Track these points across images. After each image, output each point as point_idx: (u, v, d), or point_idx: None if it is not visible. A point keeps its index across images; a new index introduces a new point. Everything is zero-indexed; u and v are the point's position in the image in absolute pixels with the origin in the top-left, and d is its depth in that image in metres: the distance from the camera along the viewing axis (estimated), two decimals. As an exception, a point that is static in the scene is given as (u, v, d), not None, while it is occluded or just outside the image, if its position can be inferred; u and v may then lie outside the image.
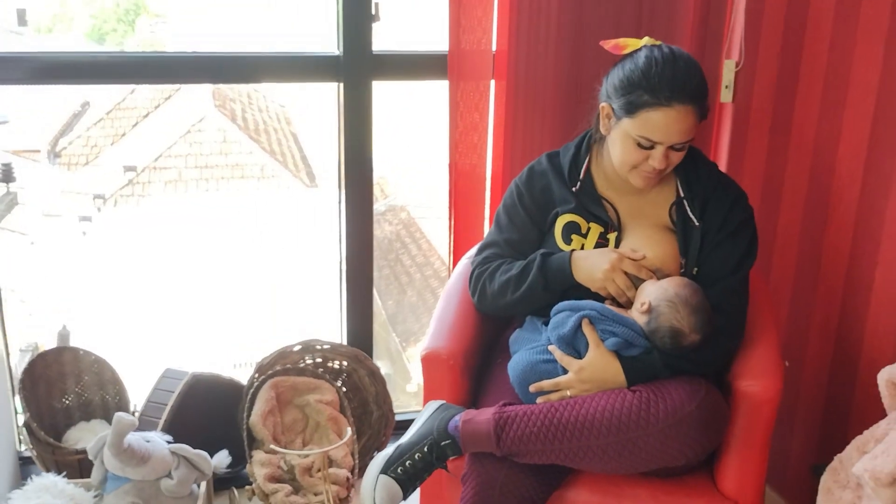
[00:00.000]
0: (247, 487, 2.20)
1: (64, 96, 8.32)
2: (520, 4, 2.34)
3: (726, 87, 2.47)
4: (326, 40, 2.50)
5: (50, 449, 2.31)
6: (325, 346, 2.53)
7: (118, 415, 2.10)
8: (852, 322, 2.07)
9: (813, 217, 2.19)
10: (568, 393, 1.78)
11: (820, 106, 2.13)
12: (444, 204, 2.54)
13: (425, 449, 1.76)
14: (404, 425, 1.95)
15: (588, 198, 1.93)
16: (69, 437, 2.44)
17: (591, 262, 1.85)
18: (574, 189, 1.94)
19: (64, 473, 2.21)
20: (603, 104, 1.88)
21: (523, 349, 1.89)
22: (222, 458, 2.29)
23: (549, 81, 2.42)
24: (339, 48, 2.42)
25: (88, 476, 2.22)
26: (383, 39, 2.45)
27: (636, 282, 1.84)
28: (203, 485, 2.24)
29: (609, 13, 2.41)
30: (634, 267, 1.83)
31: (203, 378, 2.45)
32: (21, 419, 2.41)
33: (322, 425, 2.35)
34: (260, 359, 2.45)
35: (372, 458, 1.86)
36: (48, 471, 2.25)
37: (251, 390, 2.32)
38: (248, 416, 2.27)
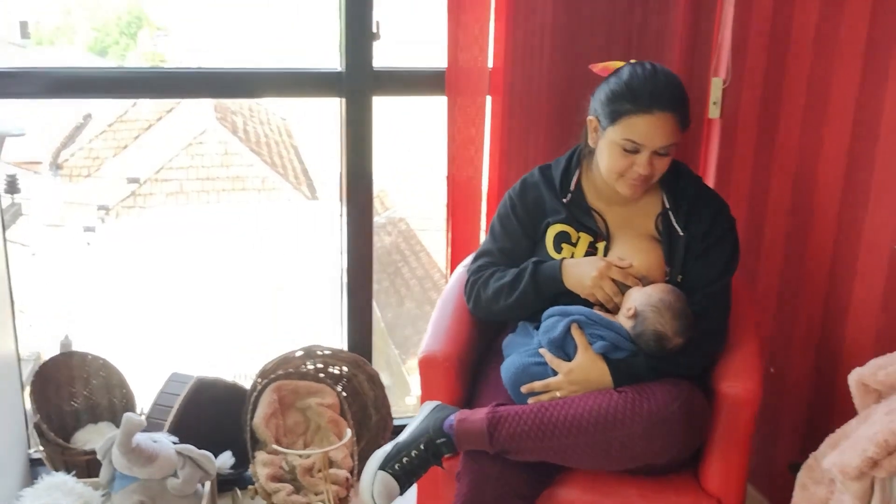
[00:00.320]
0: (249, 487, 2.25)
1: (66, 109, 8.33)
2: (515, 24, 2.41)
3: (714, 103, 2.54)
4: (326, 41, 2.53)
5: (59, 450, 2.37)
6: (326, 352, 2.58)
7: (127, 415, 2.15)
8: (833, 329, 2.13)
9: (796, 228, 2.26)
10: (557, 394, 1.84)
11: (802, 122, 2.21)
12: (443, 215, 2.59)
13: (422, 446, 1.81)
14: (402, 430, 1.99)
15: (578, 209, 2.01)
16: (77, 439, 2.48)
17: (580, 270, 1.92)
18: (565, 200, 2.02)
19: (73, 473, 2.26)
20: (590, 118, 1.97)
21: (515, 352, 1.95)
22: (226, 459, 2.33)
23: (543, 97, 2.48)
24: (341, 65, 2.49)
25: (97, 476, 2.26)
26: (382, 57, 2.51)
27: (623, 288, 1.90)
28: (207, 485, 2.28)
29: (601, 33, 2.48)
30: (621, 274, 1.90)
31: (208, 382, 2.50)
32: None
33: (323, 427, 2.40)
34: (263, 364, 2.51)
35: (371, 460, 1.91)
36: (57, 471, 2.29)
37: (255, 393, 2.38)
38: (252, 417, 2.32)
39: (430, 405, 1.92)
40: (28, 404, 2.50)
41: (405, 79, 2.60)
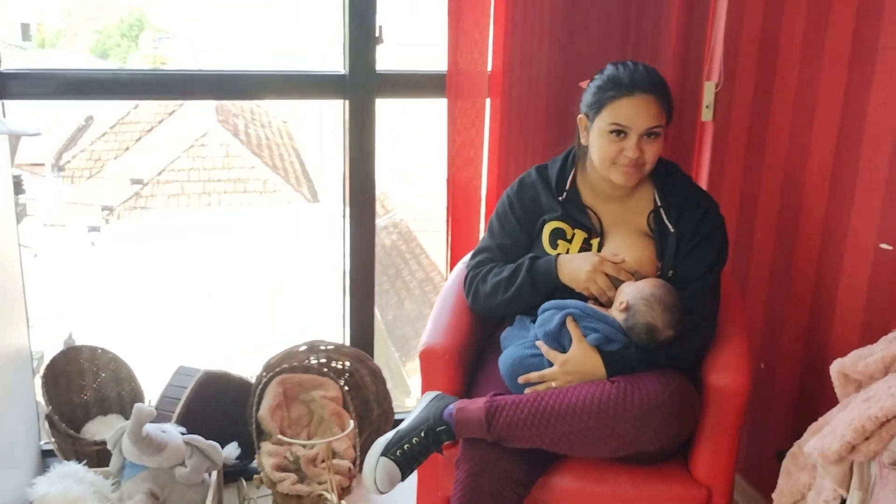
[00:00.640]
0: (255, 477, 2.30)
1: (68, 111, 8.35)
2: (514, 28, 2.46)
3: (707, 106, 2.60)
4: (326, 42, 2.58)
5: (70, 440, 2.43)
6: (330, 347, 2.65)
7: (138, 405, 2.21)
8: (820, 324, 2.19)
9: (785, 227, 2.32)
10: (553, 384, 1.90)
11: (790, 125, 2.27)
12: (443, 216, 2.64)
13: (422, 434, 1.87)
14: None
15: (573, 206, 2.08)
16: (87, 431, 2.54)
17: (575, 265, 1.98)
18: (560, 198, 2.08)
19: (84, 463, 2.32)
20: (580, 116, 2.05)
21: (513, 345, 2.01)
22: (232, 450, 2.40)
23: (541, 100, 2.53)
24: (345, 67, 2.55)
25: (107, 465, 2.32)
26: (384, 61, 2.56)
27: (616, 283, 1.96)
28: (214, 474, 2.34)
29: (597, 37, 2.53)
30: (614, 269, 1.96)
31: (214, 375, 2.55)
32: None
33: (326, 419, 2.46)
34: (267, 358, 2.57)
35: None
36: (68, 461, 2.35)
37: (260, 386, 2.43)
38: (257, 409, 2.38)
39: (431, 395, 1.97)
40: (40, 397, 2.56)
41: (407, 82, 2.66)
